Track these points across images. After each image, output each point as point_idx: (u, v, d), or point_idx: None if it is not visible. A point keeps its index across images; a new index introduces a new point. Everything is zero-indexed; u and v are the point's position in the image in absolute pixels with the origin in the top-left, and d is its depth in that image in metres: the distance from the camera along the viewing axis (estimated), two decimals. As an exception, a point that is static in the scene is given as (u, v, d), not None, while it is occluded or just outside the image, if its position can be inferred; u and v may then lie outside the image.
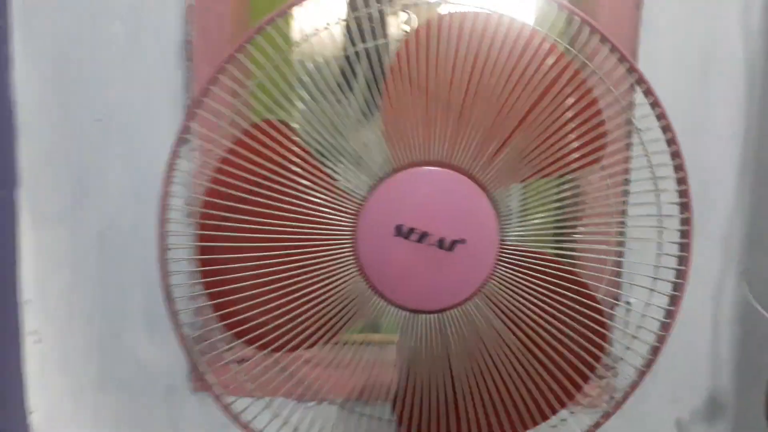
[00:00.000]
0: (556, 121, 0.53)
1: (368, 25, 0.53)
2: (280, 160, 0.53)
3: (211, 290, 0.55)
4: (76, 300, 0.80)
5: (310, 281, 0.54)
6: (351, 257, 0.54)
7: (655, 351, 0.58)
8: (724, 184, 0.77)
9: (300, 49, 0.54)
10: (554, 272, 0.55)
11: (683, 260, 0.57)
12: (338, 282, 0.54)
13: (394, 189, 0.53)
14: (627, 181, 0.60)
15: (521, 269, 0.55)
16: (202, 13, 0.75)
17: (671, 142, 0.56)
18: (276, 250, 0.54)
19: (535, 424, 0.58)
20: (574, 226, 0.58)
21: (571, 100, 0.53)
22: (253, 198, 0.54)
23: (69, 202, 0.79)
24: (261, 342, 0.56)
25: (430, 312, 0.55)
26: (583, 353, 0.56)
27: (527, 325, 0.55)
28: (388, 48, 0.54)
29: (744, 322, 0.78)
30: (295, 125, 0.55)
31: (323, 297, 0.54)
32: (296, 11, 0.54)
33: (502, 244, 0.55)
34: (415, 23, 0.55)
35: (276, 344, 0.55)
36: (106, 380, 0.82)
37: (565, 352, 0.56)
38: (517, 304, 0.55)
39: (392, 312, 0.56)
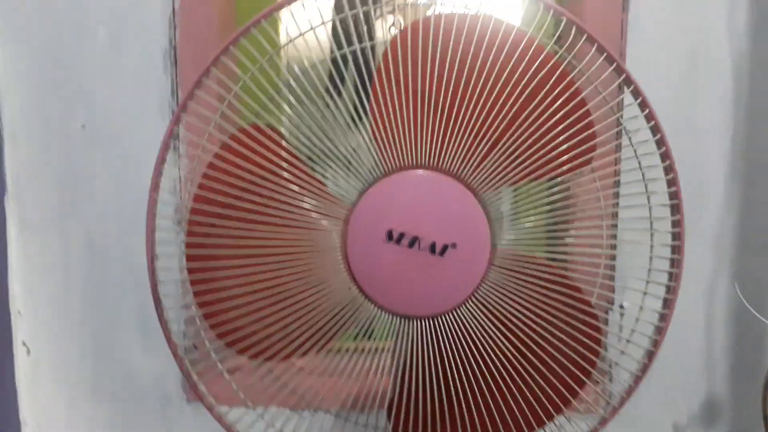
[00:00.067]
0: (545, 123, 0.52)
1: (354, 27, 0.52)
2: (268, 165, 0.52)
3: (201, 299, 0.54)
4: (66, 309, 0.79)
5: (300, 288, 0.53)
6: (342, 263, 0.53)
7: (651, 355, 0.57)
8: (713, 184, 0.76)
9: (286, 52, 0.53)
10: (547, 276, 0.54)
11: (675, 262, 0.56)
12: (329, 289, 0.53)
13: (383, 193, 0.52)
14: (617, 183, 0.59)
15: (514, 273, 0.54)
16: (187, 17, 0.74)
17: (661, 143, 0.55)
18: (266, 256, 0.52)
19: (532, 430, 0.56)
20: (566, 230, 0.57)
21: (559, 102, 0.52)
22: (242, 204, 0.52)
23: (56, 210, 0.77)
24: (253, 351, 0.54)
25: (422, 317, 0.54)
26: (578, 358, 0.55)
27: (521, 330, 0.54)
28: (375, 51, 0.53)
29: (737, 323, 0.77)
30: (282, 130, 0.53)
31: (314, 304, 0.53)
32: (282, 14, 0.53)
33: (494, 248, 0.53)
34: (402, 26, 0.54)
35: (268, 353, 0.54)
36: (99, 390, 0.80)
37: (560, 357, 0.55)
38: (510, 308, 0.54)
39: (385, 318, 0.54)
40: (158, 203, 0.54)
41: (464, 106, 0.51)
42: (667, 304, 0.56)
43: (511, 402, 0.55)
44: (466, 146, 0.52)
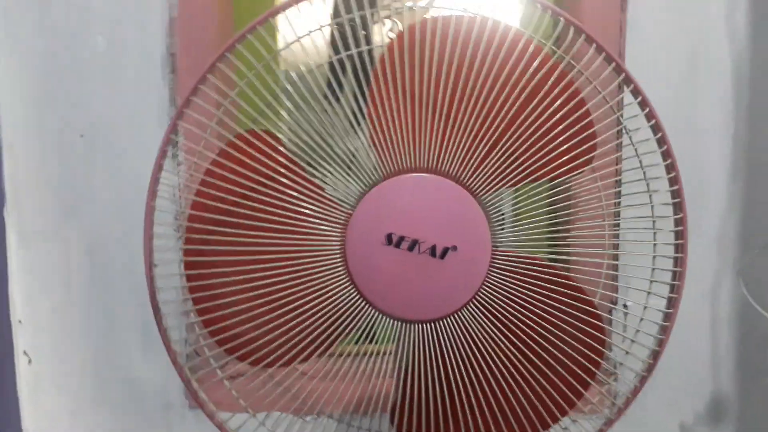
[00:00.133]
0: (544, 123, 0.51)
1: (351, 31, 0.51)
2: (266, 170, 0.51)
3: (201, 306, 0.53)
4: (67, 318, 0.78)
5: (300, 293, 0.52)
6: (341, 268, 0.52)
7: (656, 354, 0.56)
8: (714, 183, 0.75)
9: (284, 57, 0.52)
10: (549, 277, 0.53)
11: (679, 261, 0.55)
12: (329, 293, 0.52)
13: (383, 197, 0.51)
14: (618, 183, 0.58)
15: (515, 275, 0.53)
16: (185, 25, 0.73)
17: (662, 141, 0.54)
18: (265, 262, 0.52)
19: (545, 428, 0.55)
20: (567, 230, 0.56)
21: (558, 102, 0.51)
22: (240, 210, 0.51)
23: (56, 219, 0.77)
24: (254, 357, 0.53)
25: (424, 321, 0.53)
26: (582, 359, 0.54)
27: (524, 332, 0.53)
28: (372, 55, 0.52)
29: (742, 321, 0.76)
30: (280, 135, 0.53)
31: (314, 309, 0.52)
32: (279, 19, 0.52)
33: (494, 250, 0.52)
34: (399, 30, 0.53)
35: (269, 359, 0.53)
36: (101, 398, 0.79)
37: (564, 358, 0.54)
38: (512, 311, 0.53)
39: (386, 322, 0.53)
40: (157, 210, 0.53)
41: (463, 109, 0.51)
42: (672, 303, 0.55)
43: (515, 405, 0.54)
44: (465, 148, 0.51)
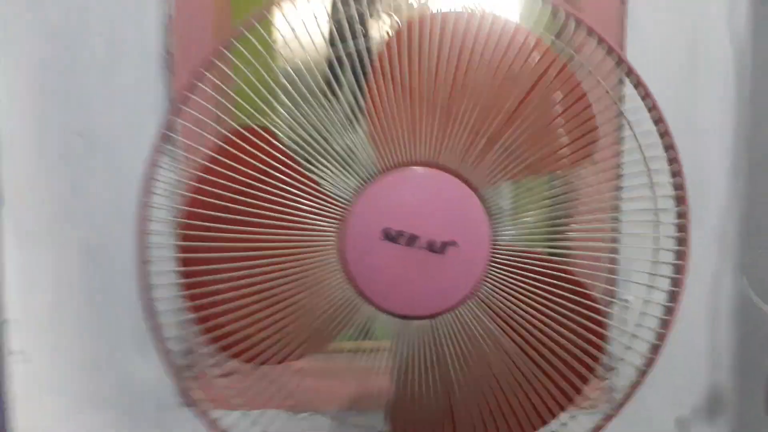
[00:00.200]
0: (545, 116, 0.50)
1: (348, 27, 0.50)
2: (262, 166, 0.50)
3: (195, 303, 0.51)
4: (62, 318, 0.76)
5: (296, 290, 0.50)
6: (338, 263, 0.51)
7: (656, 349, 0.55)
8: (715, 180, 0.74)
9: (280, 53, 0.51)
10: (549, 272, 0.52)
11: (681, 254, 0.54)
12: (326, 290, 0.51)
13: (380, 192, 0.50)
14: (619, 176, 0.56)
15: (515, 270, 0.51)
16: (182, 24, 0.71)
17: (664, 133, 0.52)
18: (260, 258, 0.50)
19: (535, 429, 0.54)
20: (568, 224, 0.55)
21: (559, 95, 0.50)
22: (236, 207, 0.50)
23: (53, 218, 0.75)
24: (248, 354, 0.52)
25: (422, 317, 0.52)
26: (582, 354, 0.52)
27: (523, 327, 0.52)
28: (370, 50, 0.50)
29: (743, 316, 0.75)
30: (277, 131, 0.51)
31: (310, 306, 0.51)
32: (276, 15, 0.50)
33: (494, 245, 0.51)
34: (398, 24, 0.52)
35: (263, 356, 0.52)
36: (95, 398, 0.78)
37: (564, 353, 0.52)
38: (512, 306, 0.51)
39: (383, 319, 0.52)
40: (152, 207, 0.51)
41: (462, 103, 0.49)
42: (674, 297, 0.54)
43: (514, 400, 0.53)
44: (464, 142, 0.50)
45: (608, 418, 0.57)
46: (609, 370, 0.56)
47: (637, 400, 0.56)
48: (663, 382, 0.73)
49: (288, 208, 0.50)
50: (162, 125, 0.51)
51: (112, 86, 0.73)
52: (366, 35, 0.50)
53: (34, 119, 0.73)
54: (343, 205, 0.51)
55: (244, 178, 0.50)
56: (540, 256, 0.52)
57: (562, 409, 0.54)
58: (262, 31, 0.50)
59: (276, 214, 0.50)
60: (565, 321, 0.52)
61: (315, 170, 0.51)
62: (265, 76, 0.50)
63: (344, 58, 0.50)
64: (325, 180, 0.51)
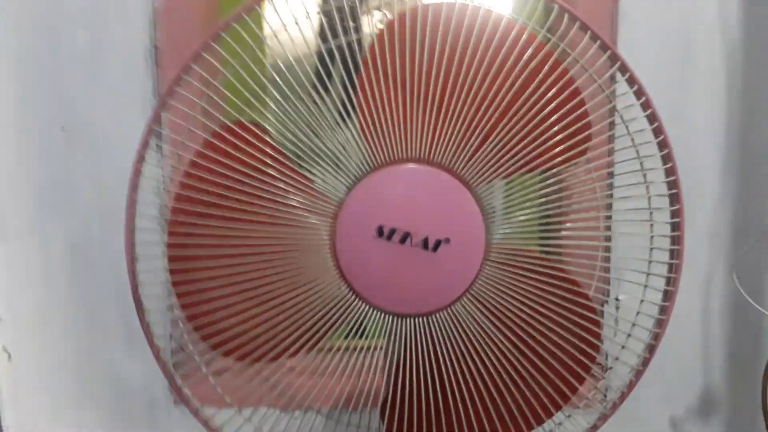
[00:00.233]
0: (538, 112, 0.49)
1: (339, 20, 0.49)
2: (252, 162, 0.49)
3: (185, 300, 0.50)
4: (49, 315, 0.75)
5: (288, 288, 0.49)
6: (331, 261, 0.50)
7: (651, 348, 0.54)
8: (707, 176, 0.73)
9: (270, 47, 0.49)
10: (544, 270, 0.51)
11: (675, 253, 0.53)
12: (318, 287, 0.50)
13: (373, 188, 0.49)
14: (612, 174, 0.56)
15: (510, 268, 0.50)
16: (168, 16, 0.70)
17: (658, 131, 0.52)
18: (251, 255, 0.49)
19: (531, 428, 0.53)
20: (561, 222, 0.54)
21: (553, 91, 0.49)
22: (226, 203, 0.49)
23: (37, 214, 0.73)
24: (240, 352, 0.51)
25: (416, 315, 0.51)
26: (576, 353, 0.52)
27: (518, 326, 0.51)
28: (362, 44, 0.49)
29: (734, 315, 0.74)
30: (267, 126, 0.50)
31: (303, 304, 0.50)
32: (265, 7, 0.49)
33: (488, 243, 0.50)
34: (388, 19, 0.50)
35: (255, 354, 0.50)
36: (84, 396, 0.76)
37: (558, 352, 0.52)
38: (506, 304, 0.51)
39: (377, 317, 0.51)
40: (140, 203, 0.50)
41: (455, 98, 0.48)
42: (668, 296, 0.53)
43: (509, 400, 0.52)
44: (458, 139, 0.49)
45: (604, 417, 0.56)
46: (604, 370, 0.56)
47: (630, 398, 0.55)
48: (656, 381, 0.73)
49: (278, 204, 0.49)
50: (149, 119, 0.50)
51: (97, 80, 0.71)
52: (357, 29, 0.49)
53: (17, 113, 0.72)
54: (335, 202, 0.50)
55: (233, 174, 0.49)
56: (534, 254, 0.51)
57: (558, 408, 0.53)
58: (252, 23, 0.48)
59: (266, 210, 0.49)
60: (559, 320, 0.51)
61: (306, 166, 0.50)
62: (255, 69, 0.49)
63: (335, 51, 0.49)
64: (316, 176, 0.50)
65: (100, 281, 0.73)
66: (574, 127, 0.50)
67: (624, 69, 0.51)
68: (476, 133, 0.49)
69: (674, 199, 0.52)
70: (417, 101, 0.48)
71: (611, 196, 0.55)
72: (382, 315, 0.51)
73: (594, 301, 0.52)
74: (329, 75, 0.49)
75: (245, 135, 0.49)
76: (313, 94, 0.48)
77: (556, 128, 0.49)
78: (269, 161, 0.49)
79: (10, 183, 0.72)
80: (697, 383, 0.76)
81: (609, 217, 0.55)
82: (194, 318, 0.50)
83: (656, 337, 0.54)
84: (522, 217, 0.51)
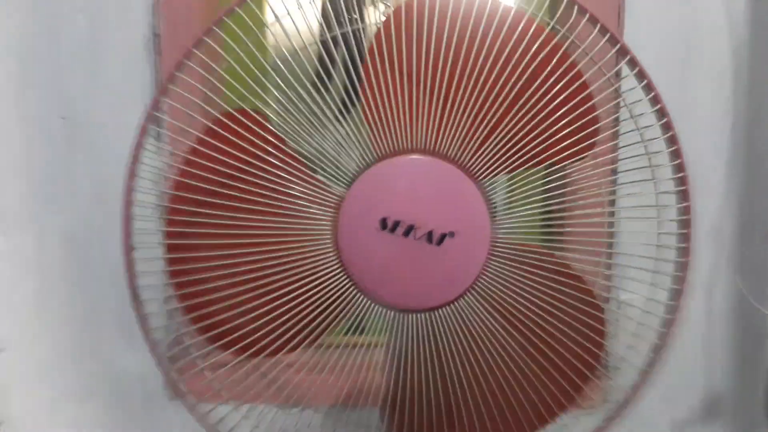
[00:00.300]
0: (545, 105, 0.47)
1: (344, 12, 0.47)
2: (253, 150, 0.46)
3: (183, 291, 0.48)
4: (46, 306, 0.72)
5: (288, 280, 0.47)
6: (332, 253, 0.48)
7: (658, 349, 0.52)
8: (713, 173, 0.71)
9: (273, 34, 0.47)
10: (550, 266, 0.49)
11: (683, 251, 0.51)
12: (319, 280, 0.48)
13: (377, 179, 0.47)
14: (616, 171, 0.54)
15: (515, 263, 0.48)
16: (169, 4, 0.68)
17: (667, 126, 0.50)
18: (251, 246, 0.47)
19: (535, 429, 0.51)
20: (566, 217, 0.52)
21: (561, 84, 0.47)
22: (226, 191, 0.47)
23: (36, 204, 0.71)
24: (238, 346, 0.49)
25: (419, 311, 0.49)
26: (582, 353, 0.50)
27: (523, 323, 0.49)
28: (366, 33, 0.47)
29: (738, 316, 0.72)
30: (268, 113, 0.48)
31: (303, 297, 0.48)
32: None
33: (493, 237, 0.48)
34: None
35: (254, 348, 0.48)
36: (80, 390, 0.74)
37: (564, 351, 0.49)
38: (511, 300, 0.49)
39: (379, 312, 0.49)
40: (138, 191, 0.48)
41: (461, 89, 0.46)
42: (676, 295, 0.51)
43: (515, 399, 0.50)
44: (464, 130, 0.47)
45: (610, 419, 0.54)
46: (611, 370, 0.54)
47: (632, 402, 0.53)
48: (658, 383, 0.71)
49: (280, 194, 0.47)
50: (148, 105, 0.47)
51: (96, 68, 0.69)
52: (361, 18, 0.47)
53: (16, 101, 0.69)
54: (337, 192, 0.48)
55: (233, 162, 0.47)
56: (540, 249, 0.49)
57: (564, 407, 0.51)
58: (255, 8, 0.46)
59: (267, 200, 0.47)
60: (565, 317, 0.49)
61: (308, 155, 0.48)
62: (257, 55, 0.47)
63: (339, 38, 0.47)
64: (318, 166, 0.48)
65: (98, 273, 0.71)
66: (581, 120, 0.48)
67: (633, 63, 0.49)
68: (483, 124, 0.47)
69: (683, 195, 0.51)
70: (423, 91, 0.46)
71: (617, 192, 0.53)
72: (384, 310, 0.49)
73: (600, 299, 0.50)
74: (333, 63, 0.47)
75: (246, 122, 0.47)
76: (317, 81, 0.46)
77: (563, 122, 0.47)
78: (271, 149, 0.47)
79: (8, 174, 0.70)
80: (700, 384, 0.74)
81: (613, 213, 0.53)
82: (191, 310, 0.48)
83: (663, 337, 0.52)
84: (527, 212, 0.49)
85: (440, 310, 0.48)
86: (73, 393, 0.74)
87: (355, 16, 0.47)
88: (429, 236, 0.47)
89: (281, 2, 0.47)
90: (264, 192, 0.47)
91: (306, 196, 0.47)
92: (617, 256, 0.59)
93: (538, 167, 0.49)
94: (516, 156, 0.47)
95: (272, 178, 0.47)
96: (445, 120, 0.47)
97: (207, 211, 0.47)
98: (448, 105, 0.46)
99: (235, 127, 0.47)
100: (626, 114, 0.50)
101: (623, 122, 0.50)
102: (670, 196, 0.51)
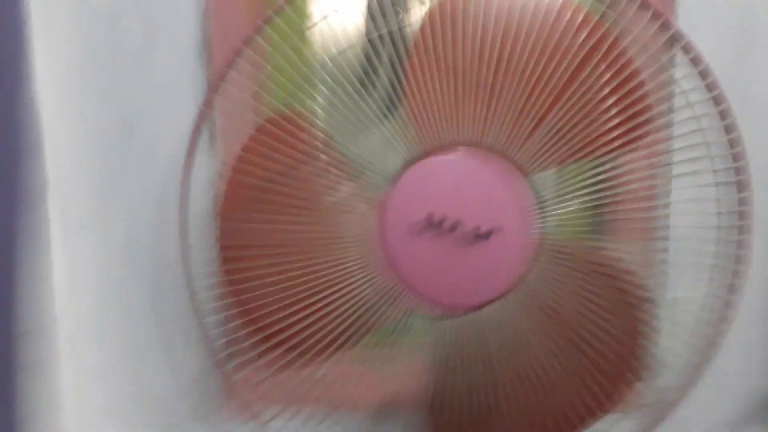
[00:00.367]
0: (595, 95, 0.45)
1: (390, 5, 0.45)
2: (302, 148, 0.45)
3: (234, 290, 0.48)
4: (109, 309, 0.73)
5: (334, 279, 0.46)
6: (378, 251, 0.46)
7: (712, 346, 0.49)
8: (761, 168, 0.66)
9: (319, 35, 0.46)
10: (599, 263, 0.46)
11: (743, 243, 0.47)
12: (365, 279, 0.47)
13: (422, 175, 0.46)
14: (674, 161, 0.50)
15: (563, 259, 0.46)
16: (220, 9, 0.68)
17: (725, 114, 0.47)
18: (299, 244, 0.46)
19: (584, 427, 0.48)
20: (617, 212, 0.49)
21: (610, 73, 0.44)
22: (276, 188, 0.46)
23: (97, 207, 0.72)
24: (287, 346, 0.48)
25: (466, 309, 0.47)
26: (633, 351, 0.47)
27: (573, 320, 0.46)
28: (410, 26, 0.46)
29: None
30: (314, 116, 0.47)
31: (350, 295, 0.47)
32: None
33: (542, 233, 0.46)
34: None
35: (303, 348, 0.47)
36: (137, 391, 0.75)
37: (614, 350, 0.47)
38: (560, 298, 0.46)
39: (425, 310, 0.47)
40: (195, 194, 0.48)
41: (507, 80, 0.44)
42: (732, 290, 0.48)
43: (562, 397, 0.48)
44: (510, 122, 0.45)
45: (660, 418, 0.51)
46: (660, 368, 0.51)
47: (687, 400, 0.51)
48: (715, 383, 0.67)
49: (327, 190, 0.46)
50: (200, 106, 0.47)
51: (151, 73, 0.69)
52: (405, 13, 0.46)
53: (76, 107, 0.71)
54: (384, 190, 0.46)
55: (281, 163, 0.46)
56: (587, 245, 0.47)
57: (613, 407, 0.49)
58: (301, 6, 0.45)
59: (315, 197, 0.46)
60: (611, 317, 0.47)
61: (354, 154, 0.47)
62: (304, 52, 0.46)
63: (384, 35, 0.45)
64: (364, 163, 0.47)
65: (158, 273, 0.71)
66: (632, 110, 0.45)
67: (688, 48, 0.46)
68: (529, 116, 0.45)
69: (742, 185, 0.47)
70: (467, 84, 0.45)
71: (671, 183, 0.50)
72: (431, 308, 0.47)
73: (652, 296, 0.48)
74: (379, 57, 0.46)
75: (294, 122, 0.46)
76: (363, 78, 0.45)
77: (613, 111, 0.45)
78: (317, 150, 0.46)
79: (71, 177, 0.72)
80: (758, 385, 0.70)
81: (668, 206, 0.50)
82: (244, 312, 0.48)
83: (718, 334, 0.49)
84: (576, 206, 0.47)
85: (487, 308, 0.47)
86: (129, 394, 0.75)
87: (401, 14, 0.45)
88: (475, 232, 0.45)
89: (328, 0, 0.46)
90: (313, 188, 0.46)
91: (352, 194, 0.46)
92: (671, 252, 0.56)
93: (588, 159, 0.46)
94: (564, 148, 0.45)
95: (319, 178, 0.46)
96: (490, 112, 0.45)
97: (259, 210, 0.46)
98: (495, 97, 0.44)
99: (284, 127, 0.46)
100: (682, 101, 0.47)
101: (678, 110, 0.48)
102: (728, 188, 0.48)
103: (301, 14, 0.46)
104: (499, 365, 0.47)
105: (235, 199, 0.46)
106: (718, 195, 0.48)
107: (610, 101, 0.45)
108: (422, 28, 0.45)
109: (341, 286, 0.46)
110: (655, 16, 0.46)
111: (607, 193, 0.47)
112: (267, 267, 0.47)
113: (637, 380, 0.48)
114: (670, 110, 0.48)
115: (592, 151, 0.46)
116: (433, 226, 0.45)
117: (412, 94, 0.45)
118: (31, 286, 0.67)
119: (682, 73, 0.48)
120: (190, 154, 0.47)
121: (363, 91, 0.45)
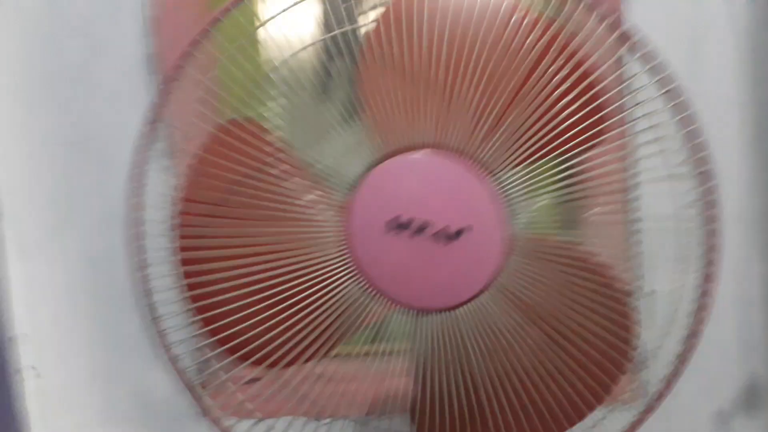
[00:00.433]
0: (551, 93, 0.44)
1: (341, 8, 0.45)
2: (258, 156, 0.44)
3: (198, 304, 0.46)
4: (70, 330, 0.71)
5: (302, 287, 0.45)
6: (346, 257, 0.45)
7: (690, 337, 0.48)
8: (726, 159, 0.66)
9: (269, 34, 0.45)
10: (571, 258, 0.45)
11: (712, 233, 0.47)
12: (334, 286, 0.45)
13: (385, 178, 0.44)
14: (636, 157, 0.50)
15: (536, 256, 0.45)
16: (161, 24, 0.66)
17: (683, 106, 0.46)
18: (262, 254, 0.44)
19: (571, 425, 0.47)
20: (587, 207, 0.48)
21: (565, 71, 0.44)
22: (234, 199, 0.44)
23: (53, 228, 0.70)
24: (256, 357, 0.46)
25: (440, 310, 0.45)
26: (613, 345, 0.46)
27: (550, 316, 0.45)
28: (359, 33, 0.45)
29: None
30: (270, 121, 0.46)
31: (319, 303, 0.45)
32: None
33: (511, 230, 0.45)
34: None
35: (272, 359, 0.46)
36: (109, 411, 0.72)
37: (594, 344, 0.46)
38: (535, 295, 0.45)
39: (399, 313, 0.46)
40: (150, 209, 0.46)
41: (463, 82, 0.43)
42: (706, 279, 0.47)
43: (545, 395, 0.46)
44: (469, 123, 0.44)
45: (647, 411, 0.50)
46: (643, 361, 0.49)
47: (670, 393, 0.49)
48: (695, 373, 0.66)
49: (288, 198, 0.45)
50: (147, 112, 0.45)
51: (96, 90, 0.68)
52: (359, 15, 0.45)
53: (24, 127, 0.69)
54: (346, 194, 0.45)
55: (239, 170, 0.45)
56: (560, 240, 0.46)
57: (597, 403, 0.47)
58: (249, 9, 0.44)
59: (275, 206, 0.45)
60: (591, 313, 0.45)
61: (312, 159, 0.45)
62: (254, 59, 0.44)
63: (338, 38, 0.44)
64: (323, 169, 0.45)
65: (119, 294, 0.69)
66: (590, 107, 0.44)
67: (641, 45, 0.46)
68: (488, 116, 0.44)
69: (707, 175, 0.47)
70: (422, 86, 0.44)
71: (636, 177, 0.50)
72: (404, 311, 0.46)
73: (627, 289, 0.47)
74: (332, 60, 0.45)
75: (249, 129, 0.45)
76: (316, 84, 0.44)
77: (572, 108, 0.44)
78: (274, 158, 0.45)
79: (25, 200, 0.70)
80: (738, 374, 0.68)
81: (637, 200, 0.49)
82: (208, 323, 0.46)
83: (696, 324, 0.48)
84: (546, 202, 0.46)
85: (461, 309, 0.45)
86: (101, 415, 0.72)
87: (353, 16, 0.45)
88: (444, 232, 0.44)
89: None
90: (272, 197, 0.45)
91: (314, 201, 0.45)
92: (642, 244, 0.55)
93: (551, 158, 0.46)
94: (526, 146, 0.44)
95: (278, 185, 0.45)
96: (449, 113, 0.44)
97: (216, 222, 0.44)
98: (449, 99, 0.44)
99: (238, 135, 0.45)
100: (641, 97, 0.47)
101: (639, 105, 0.47)
102: (693, 179, 0.47)
103: (249, 16, 0.45)
104: (479, 365, 0.46)
105: (194, 210, 0.45)
106: (684, 187, 0.47)
107: (567, 98, 0.44)
108: (375, 30, 0.44)
109: (309, 294, 0.45)
110: (608, 13, 0.46)
111: (577, 188, 0.47)
112: (230, 279, 0.45)
113: (622, 374, 0.47)
114: (631, 105, 0.48)
115: (555, 148, 0.45)
116: (402, 227, 0.44)
117: (368, 98, 0.44)
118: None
119: (638, 68, 0.47)
120: (138, 170, 0.46)
121: (319, 95, 0.45)
